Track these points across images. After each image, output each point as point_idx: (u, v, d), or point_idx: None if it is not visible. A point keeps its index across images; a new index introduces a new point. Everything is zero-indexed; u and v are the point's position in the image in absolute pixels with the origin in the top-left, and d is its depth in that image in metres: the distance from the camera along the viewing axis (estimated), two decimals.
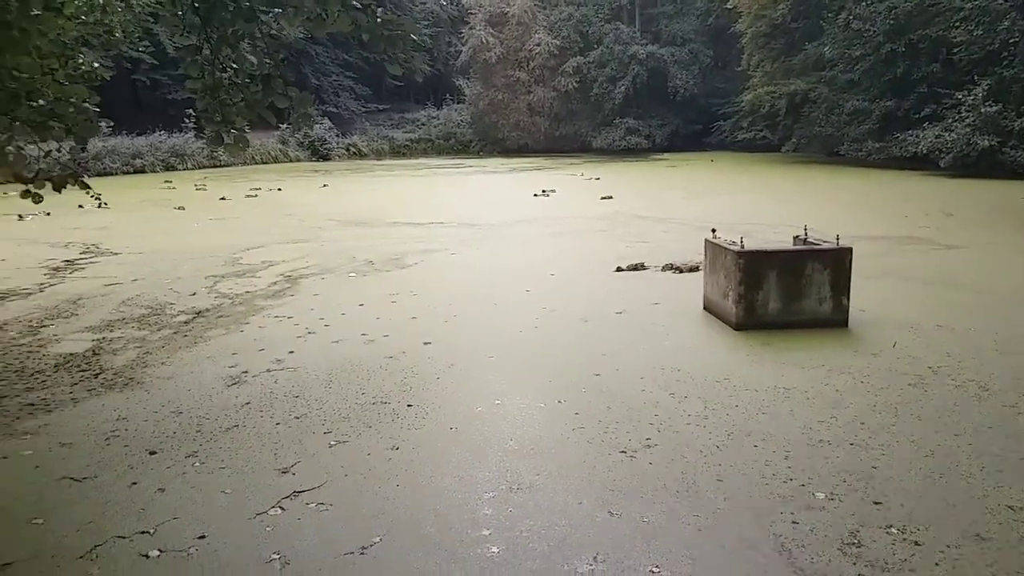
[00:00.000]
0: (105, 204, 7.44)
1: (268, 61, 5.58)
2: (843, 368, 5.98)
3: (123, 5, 6.74)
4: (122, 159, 33.20)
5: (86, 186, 6.21)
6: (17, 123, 5.57)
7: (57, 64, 6.02)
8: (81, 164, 6.31)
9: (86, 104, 5.77)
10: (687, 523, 3.68)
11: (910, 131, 27.56)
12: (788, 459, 4.37)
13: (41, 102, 5.62)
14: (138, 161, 33.97)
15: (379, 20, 5.03)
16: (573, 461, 4.40)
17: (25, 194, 5.72)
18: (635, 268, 10.15)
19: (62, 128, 5.74)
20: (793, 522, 3.67)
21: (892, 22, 28.08)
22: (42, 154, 6.15)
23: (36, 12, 5.19)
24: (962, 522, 3.65)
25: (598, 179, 27.27)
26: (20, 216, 16.67)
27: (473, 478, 4.20)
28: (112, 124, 26.84)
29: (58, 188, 5.86)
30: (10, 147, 5.73)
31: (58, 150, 6.32)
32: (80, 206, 17.54)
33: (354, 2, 4.94)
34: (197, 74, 5.39)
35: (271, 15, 5.37)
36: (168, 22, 5.30)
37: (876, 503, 3.84)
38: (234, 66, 5.47)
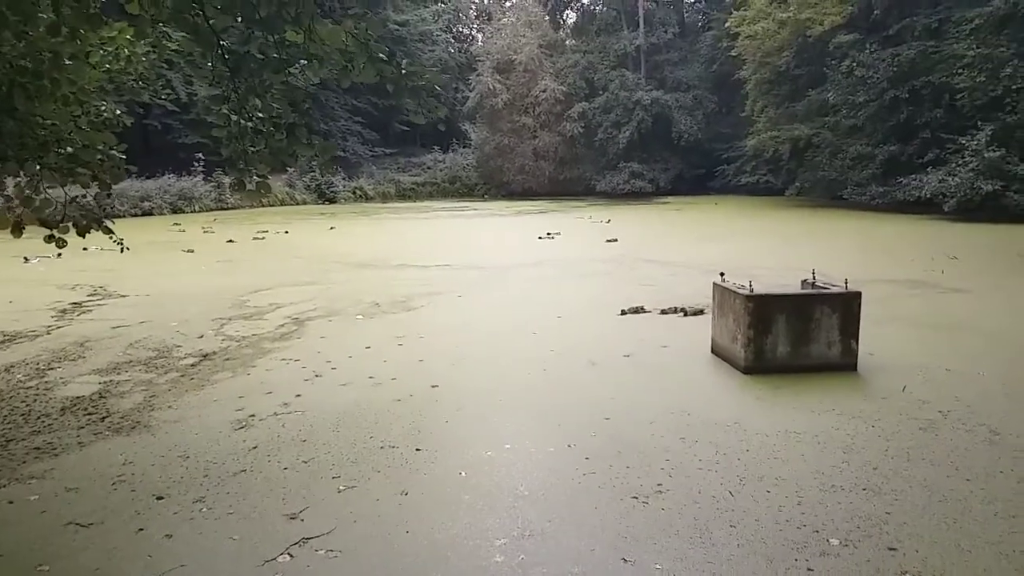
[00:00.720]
0: (127, 248, 7.46)
1: (294, 111, 5.65)
2: (853, 412, 5.94)
3: (154, 54, 6.85)
4: (131, 202, 33.51)
5: (109, 231, 6.26)
6: (44, 169, 5.65)
7: (80, 111, 6.12)
8: (105, 209, 6.37)
9: (112, 151, 5.86)
10: (701, 570, 3.63)
11: (913, 176, 27.76)
12: (801, 505, 4.33)
13: (69, 149, 5.71)
14: (146, 204, 34.35)
15: (403, 72, 5.09)
16: (585, 507, 4.36)
17: (49, 239, 5.76)
18: (638, 311, 10.14)
19: (88, 174, 5.81)
20: (808, 569, 3.62)
21: (895, 69, 28.53)
22: (68, 199, 6.20)
23: (67, 62, 5.30)
24: (976, 568, 3.61)
25: (609, 221, 27.42)
26: (26, 258, 16.72)
27: (484, 524, 4.16)
28: (129, 169, 27.23)
29: (82, 233, 5.91)
30: (34, 195, 5.80)
31: (83, 196, 6.38)
32: (85, 248, 17.62)
33: (379, 55, 5.01)
34: (223, 123, 5.46)
35: (297, 66, 5.44)
36: (198, 72, 5.39)
37: (891, 549, 3.80)
38: (260, 115, 5.54)
